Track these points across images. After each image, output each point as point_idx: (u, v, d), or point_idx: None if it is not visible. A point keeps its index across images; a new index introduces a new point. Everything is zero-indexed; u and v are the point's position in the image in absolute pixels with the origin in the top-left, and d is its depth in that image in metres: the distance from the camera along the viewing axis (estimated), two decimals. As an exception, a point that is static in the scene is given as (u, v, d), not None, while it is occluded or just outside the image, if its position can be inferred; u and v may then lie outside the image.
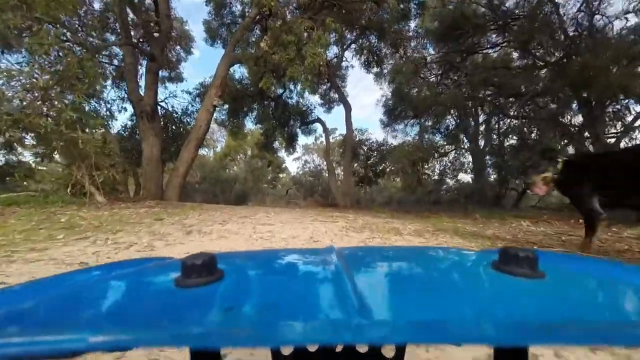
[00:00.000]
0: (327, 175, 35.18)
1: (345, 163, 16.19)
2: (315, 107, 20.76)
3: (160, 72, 16.98)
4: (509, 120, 14.06)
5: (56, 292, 0.39)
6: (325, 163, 38.52)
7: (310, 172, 34.22)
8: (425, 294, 0.35)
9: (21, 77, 6.80)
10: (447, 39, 12.87)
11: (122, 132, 14.99)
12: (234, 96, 15.80)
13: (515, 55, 13.47)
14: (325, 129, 17.88)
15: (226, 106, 16.58)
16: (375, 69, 18.00)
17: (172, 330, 0.24)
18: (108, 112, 13.22)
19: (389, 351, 0.52)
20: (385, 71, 17.83)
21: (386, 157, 16.87)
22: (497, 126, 15.12)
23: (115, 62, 14.34)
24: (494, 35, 13.00)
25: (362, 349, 0.51)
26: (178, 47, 17.48)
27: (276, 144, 27.14)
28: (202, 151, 38.68)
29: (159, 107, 13.84)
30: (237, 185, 28.01)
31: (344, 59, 17.75)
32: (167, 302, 0.33)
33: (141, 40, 14.00)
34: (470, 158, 16.89)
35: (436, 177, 17.08)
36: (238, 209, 9.91)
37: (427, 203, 16.92)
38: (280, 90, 17.01)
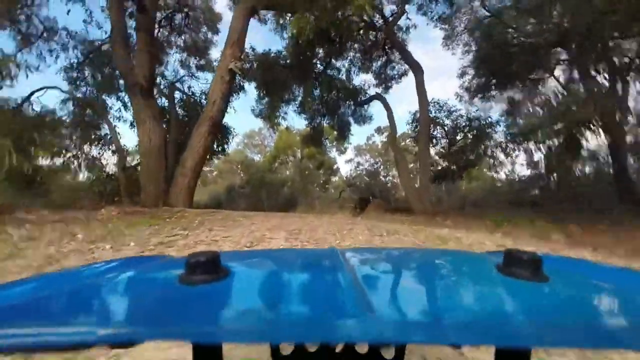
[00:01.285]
0: (383, 175, 30.53)
1: (421, 151, 11.19)
2: (369, 87, 16.17)
3: (188, 59, 14.06)
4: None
5: (66, 286, 0.39)
6: (381, 159, 33.54)
7: (365, 173, 29.54)
8: (428, 296, 0.35)
9: None
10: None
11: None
12: (265, 78, 11.99)
13: None
14: (387, 107, 13.12)
15: (253, 89, 12.80)
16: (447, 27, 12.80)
17: (175, 326, 0.24)
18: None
19: (388, 353, 0.50)
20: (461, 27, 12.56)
21: (484, 135, 11.46)
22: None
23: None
24: None
25: (362, 349, 0.49)
26: (204, 28, 14.43)
27: (327, 142, 23.07)
28: (250, 153, 36.59)
29: (170, 89, 11.11)
30: (285, 189, 24.43)
31: (406, 12, 12.75)
32: (171, 298, 0.34)
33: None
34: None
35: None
36: (275, 217, 7.13)
37: (519, 204, 11.18)
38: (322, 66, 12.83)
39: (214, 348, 0.43)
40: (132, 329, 0.24)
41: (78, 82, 10.93)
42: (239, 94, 12.52)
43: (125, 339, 0.23)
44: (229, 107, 13.00)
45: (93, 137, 9.77)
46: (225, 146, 14.40)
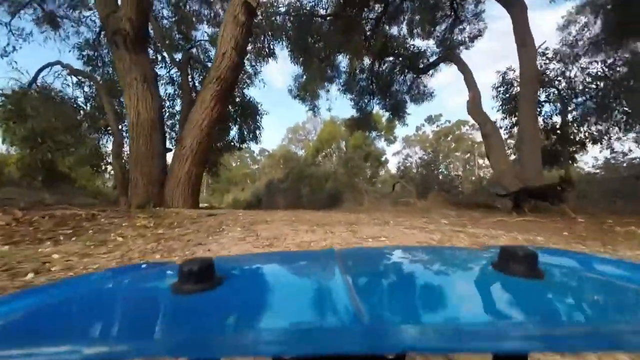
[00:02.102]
0: (436, 167, 26.00)
1: (526, 119, 7.45)
2: (432, 54, 12.53)
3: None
4: None
5: (52, 301, 0.37)
6: (434, 150, 29.05)
7: (422, 163, 25.43)
8: (425, 299, 0.35)
9: None
10: None
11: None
12: (300, 34, 9.14)
13: None
14: (463, 68, 9.47)
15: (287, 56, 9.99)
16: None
17: (168, 340, 0.24)
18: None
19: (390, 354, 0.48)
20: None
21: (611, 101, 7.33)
22: None
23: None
24: None
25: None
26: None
27: (374, 132, 19.87)
28: (295, 148, 34.09)
29: (184, 56, 8.79)
30: (329, 183, 21.59)
31: None
32: (164, 310, 0.32)
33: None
34: None
35: None
36: (311, 217, 4.68)
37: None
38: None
39: None
40: (120, 345, 0.22)
41: (95, 61, 9.27)
42: (267, 59, 9.95)
43: (113, 357, 0.22)
44: (257, 80, 10.81)
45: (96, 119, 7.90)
46: (257, 132, 12.00)
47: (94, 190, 10.40)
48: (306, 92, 9.17)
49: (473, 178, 28.72)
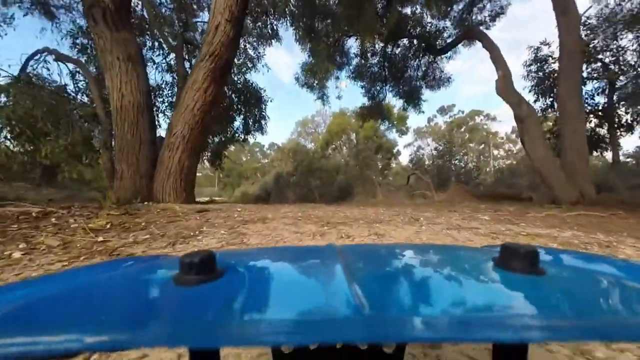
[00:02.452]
0: (451, 158, 24.65)
1: (568, 99, 6.40)
2: (449, 35, 11.43)
3: None
4: None
5: (53, 290, 0.37)
6: (447, 142, 27.76)
7: (437, 154, 24.19)
8: (425, 293, 0.35)
9: None
10: None
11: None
12: (306, 10, 8.22)
13: None
14: (488, 44, 8.39)
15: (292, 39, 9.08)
16: None
17: (170, 330, 0.24)
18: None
19: (389, 348, 0.49)
20: None
21: None
22: None
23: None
24: None
25: (363, 345, 0.47)
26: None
27: (385, 122, 18.99)
28: (305, 142, 33.21)
29: (179, 39, 7.84)
30: (339, 176, 20.72)
31: None
32: (166, 300, 0.33)
33: None
34: None
35: None
36: (321, 213, 4.21)
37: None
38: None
39: (211, 350, 0.43)
40: (122, 334, 0.22)
41: (89, 49, 8.61)
42: (269, 42, 9.07)
43: (115, 346, 0.22)
44: (260, 64, 9.93)
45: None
46: (263, 122, 11.19)
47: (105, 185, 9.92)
48: (314, 75, 8.24)
49: (488, 169, 27.31)
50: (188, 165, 5.27)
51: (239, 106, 10.45)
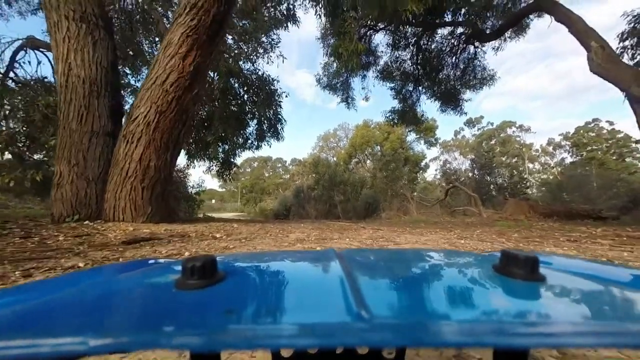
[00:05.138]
0: (491, 170, 21.69)
1: None
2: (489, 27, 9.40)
3: None
4: None
5: (57, 293, 0.37)
6: (476, 155, 25.04)
7: (477, 167, 21.43)
8: (426, 297, 0.35)
9: None
10: None
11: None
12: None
13: None
14: (565, 16, 6.23)
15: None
16: None
17: (172, 333, 0.24)
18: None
19: (389, 353, 0.49)
20: None
21: None
22: None
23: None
24: None
25: (363, 350, 0.48)
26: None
27: (412, 132, 17.01)
28: (327, 156, 31.16)
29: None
30: (364, 190, 18.55)
31: None
32: (168, 304, 0.32)
33: None
34: None
35: None
36: (345, 233, 3.61)
37: None
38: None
39: (212, 353, 0.43)
40: (127, 337, 0.22)
41: None
42: (285, 25, 7.42)
43: (118, 348, 0.22)
44: (273, 52, 8.18)
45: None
46: (279, 126, 9.49)
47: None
48: (339, 57, 6.50)
49: (533, 181, 24.04)
50: (156, 166, 3.49)
51: (252, 107, 8.84)
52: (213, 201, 51.76)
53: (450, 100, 11.65)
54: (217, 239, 2.65)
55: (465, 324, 0.24)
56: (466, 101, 11.61)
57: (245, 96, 8.25)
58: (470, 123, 34.05)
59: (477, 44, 10.57)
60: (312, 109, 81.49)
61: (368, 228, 4.06)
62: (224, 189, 54.64)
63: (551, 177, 27.51)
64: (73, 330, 0.24)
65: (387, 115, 12.25)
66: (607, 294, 0.36)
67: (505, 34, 9.89)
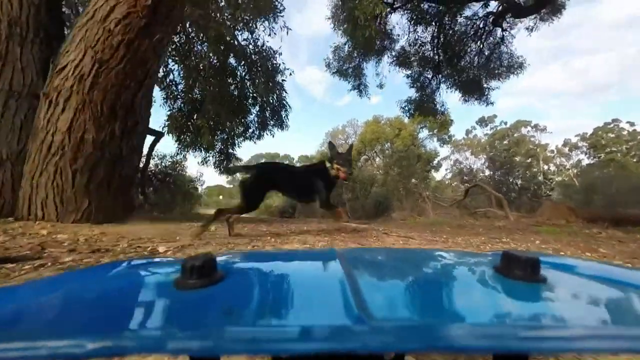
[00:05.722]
0: (512, 170, 20.12)
1: None
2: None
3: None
4: None
5: (52, 294, 0.36)
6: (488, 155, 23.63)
7: (498, 165, 19.96)
8: (426, 299, 0.34)
9: None
10: None
11: None
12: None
13: None
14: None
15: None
16: None
17: (171, 337, 0.23)
18: None
19: (389, 354, 0.46)
20: None
21: None
22: None
23: None
24: None
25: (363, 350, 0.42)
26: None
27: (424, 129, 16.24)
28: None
29: None
30: (374, 188, 17.33)
31: None
32: (167, 305, 0.32)
33: None
34: None
35: None
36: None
37: None
38: None
39: (213, 356, 0.39)
40: (125, 339, 0.22)
41: None
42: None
43: (117, 351, 0.21)
44: (276, 23, 6.75)
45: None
46: (283, 113, 8.39)
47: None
48: (354, 23, 5.32)
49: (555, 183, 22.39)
50: (95, 140, 2.41)
51: (251, 88, 7.74)
52: (221, 197, 51.15)
53: (474, 89, 10.38)
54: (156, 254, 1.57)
55: (465, 328, 0.24)
56: (492, 89, 10.30)
57: (243, 73, 7.16)
58: (482, 122, 32.39)
59: (505, 25, 9.30)
60: (321, 105, 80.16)
61: (392, 233, 2.92)
62: (231, 185, 53.88)
63: (566, 179, 25.97)
64: (70, 333, 0.23)
65: (403, 105, 11.02)
66: (609, 296, 0.35)
67: (542, 10, 8.60)
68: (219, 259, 0.37)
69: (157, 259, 0.55)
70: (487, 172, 18.14)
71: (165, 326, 0.25)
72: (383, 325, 0.24)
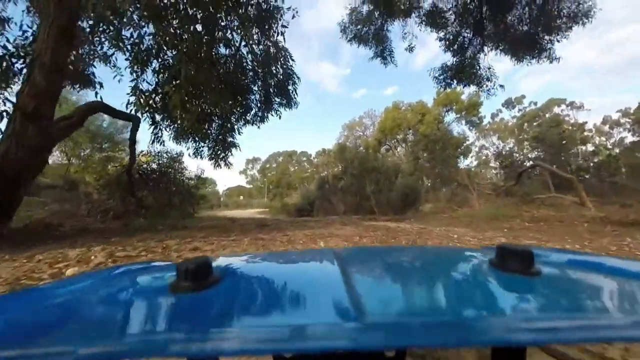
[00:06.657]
0: (565, 150, 17.15)
1: None
2: None
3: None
4: None
5: (47, 301, 0.36)
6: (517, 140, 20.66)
7: (544, 147, 17.20)
8: (423, 296, 0.34)
9: None
10: None
11: None
12: None
13: None
14: None
15: None
16: None
17: (165, 341, 0.23)
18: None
19: (390, 351, 0.48)
20: None
21: None
22: None
23: None
24: None
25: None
26: None
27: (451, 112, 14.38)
28: (352, 146, 27.58)
29: None
30: (399, 179, 15.19)
31: None
32: (162, 308, 0.32)
33: None
34: None
35: None
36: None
37: None
38: None
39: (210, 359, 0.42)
40: (118, 345, 0.22)
41: None
42: None
43: (109, 357, 0.21)
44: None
45: None
46: (291, 89, 6.60)
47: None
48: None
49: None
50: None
51: (255, 67, 6.01)
52: (241, 197, 50.34)
53: (529, 46, 8.08)
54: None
55: (463, 323, 0.24)
56: (553, 43, 7.95)
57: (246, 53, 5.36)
58: (509, 104, 29.13)
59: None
60: (336, 99, 77.75)
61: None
62: (251, 185, 53.00)
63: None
64: (62, 339, 0.23)
65: (437, 75, 8.89)
66: (602, 287, 0.35)
67: None
68: (215, 262, 0.36)
69: (153, 263, 0.54)
70: (532, 155, 15.49)
71: (159, 330, 0.25)
72: (377, 323, 0.23)
